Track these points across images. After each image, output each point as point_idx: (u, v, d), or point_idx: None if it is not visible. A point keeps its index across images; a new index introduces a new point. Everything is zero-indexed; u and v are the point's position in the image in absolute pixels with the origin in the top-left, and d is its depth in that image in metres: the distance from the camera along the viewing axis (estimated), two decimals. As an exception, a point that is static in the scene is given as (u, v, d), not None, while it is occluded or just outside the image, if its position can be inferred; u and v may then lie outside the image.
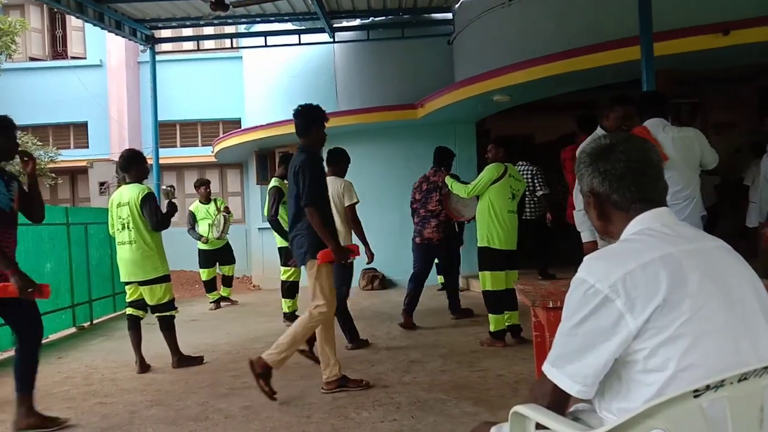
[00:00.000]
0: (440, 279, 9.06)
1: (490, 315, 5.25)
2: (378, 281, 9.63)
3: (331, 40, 10.38)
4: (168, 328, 5.05)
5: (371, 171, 10.02)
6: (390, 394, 3.95)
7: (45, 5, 13.34)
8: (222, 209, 8.60)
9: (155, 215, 4.82)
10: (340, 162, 5.49)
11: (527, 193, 7.84)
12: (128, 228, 4.82)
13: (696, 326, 1.25)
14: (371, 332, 6.13)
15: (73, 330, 7.13)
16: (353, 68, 10.90)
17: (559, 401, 1.38)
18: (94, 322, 7.63)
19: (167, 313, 5.03)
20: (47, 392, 4.41)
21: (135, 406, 3.95)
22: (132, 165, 4.95)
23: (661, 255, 1.31)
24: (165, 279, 4.96)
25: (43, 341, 6.36)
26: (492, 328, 5.22)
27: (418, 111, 9.35)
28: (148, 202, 4.81)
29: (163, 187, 5.20)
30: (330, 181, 4.85)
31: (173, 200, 5.12)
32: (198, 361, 5.12)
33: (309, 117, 4.11)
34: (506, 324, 5.28)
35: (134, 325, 5.00)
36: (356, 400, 3.85)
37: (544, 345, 2.92)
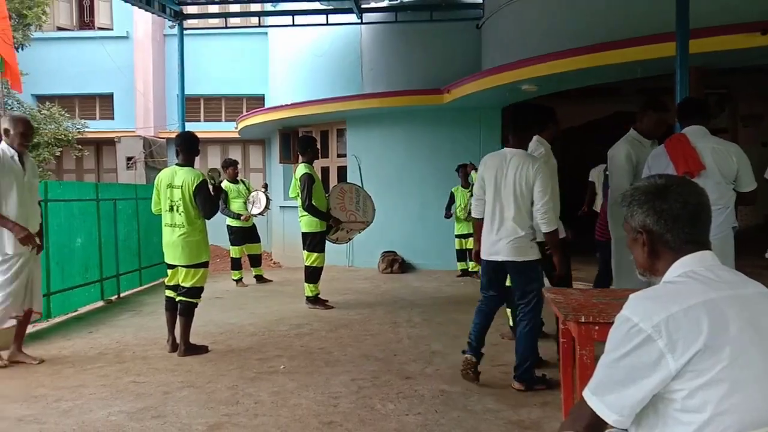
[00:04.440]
0: (460, 265, 9.15)
1: (508, 309, 5.29)
2: (398, 265, 9.73)
3: (359, 21, 10.33)
4: (188, 314, 4.94)
5: (393, 155, 10.03)
6: (413, 385, 4.06)
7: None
8: (262, 186, 9.08)
9: (208, 204, 4.83)
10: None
11: None
12: (177, 211, 4.82)
13: (735, 372, 1.30)
14: (392, 319, 6.25)
15: (101, 303, 7.33)
16: (380, 50, 10.85)
17: (595, 427, 1.45)
18: (122, 295, 7.83)
19: (192, 300, 4.96)
20: (82, 368, 4.58)
21: (168, 387, 4.09)
22: (187, 147, 4.95)
23: (704, 300, 1.36)
24: (205, 265, 4.97)
25: (74, 314, 6.67)
26: (511, 323, 5.27)
27: (444, 96, 9.32)
28: (203, 190, 4.80)
29: (209, 170, 5.19)
30: None
31: (219, 184, 5.11)
32: (204, 350, 5.03)
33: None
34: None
35: (171, 306, 5.06)
36: (381, 390, 3.96)
37: (570, 351, 3.00)
